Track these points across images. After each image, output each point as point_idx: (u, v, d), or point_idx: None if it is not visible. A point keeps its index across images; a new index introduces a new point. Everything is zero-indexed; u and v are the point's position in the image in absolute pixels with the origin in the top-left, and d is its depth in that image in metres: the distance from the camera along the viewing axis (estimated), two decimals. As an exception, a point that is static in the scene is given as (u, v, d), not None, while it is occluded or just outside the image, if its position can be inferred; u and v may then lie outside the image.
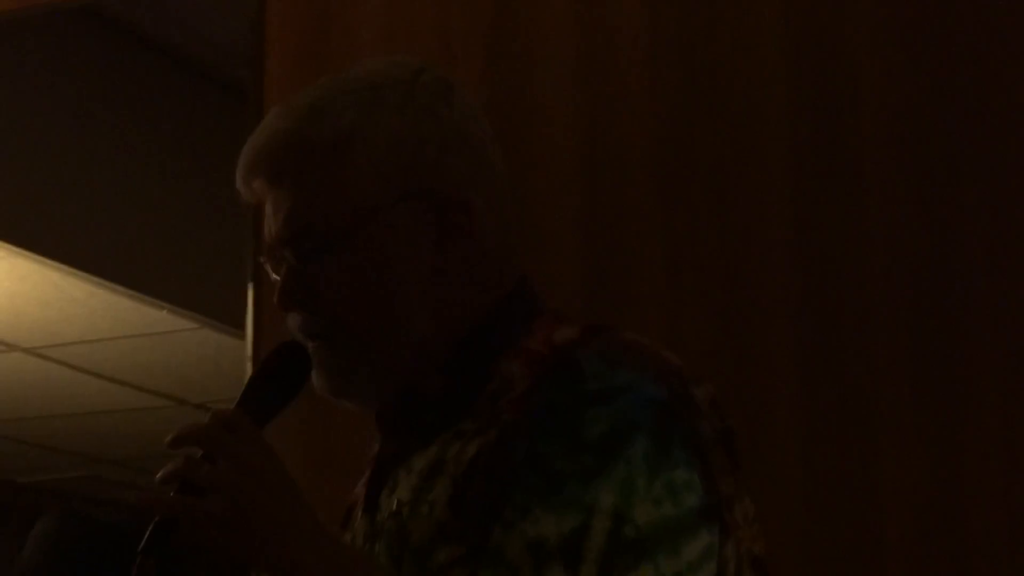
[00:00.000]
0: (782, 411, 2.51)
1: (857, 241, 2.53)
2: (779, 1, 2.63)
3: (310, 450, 2.75)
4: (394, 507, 1.60)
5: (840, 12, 2.60)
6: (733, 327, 2.56)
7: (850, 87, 2.57)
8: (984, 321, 2.47)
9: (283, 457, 1.48)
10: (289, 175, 1.61)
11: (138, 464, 8.45)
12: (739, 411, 2.49)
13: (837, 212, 2.55)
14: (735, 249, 2.59)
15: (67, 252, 5.33)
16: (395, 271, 1.60)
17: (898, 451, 2.46)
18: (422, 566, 1.53)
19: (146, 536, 1.46)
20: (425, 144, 1.61)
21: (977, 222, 2.49)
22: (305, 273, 1.61)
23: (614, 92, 2.71)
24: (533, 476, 1.49)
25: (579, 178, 2.70)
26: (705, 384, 1.59)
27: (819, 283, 2.53)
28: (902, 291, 2.50)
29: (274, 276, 1.65)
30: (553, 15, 2.77)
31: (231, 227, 3.72)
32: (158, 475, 1.45)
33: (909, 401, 2.47)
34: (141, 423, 7.58)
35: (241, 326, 2.92)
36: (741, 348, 2.55)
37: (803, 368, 2.52)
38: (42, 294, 5.68)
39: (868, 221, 2.53)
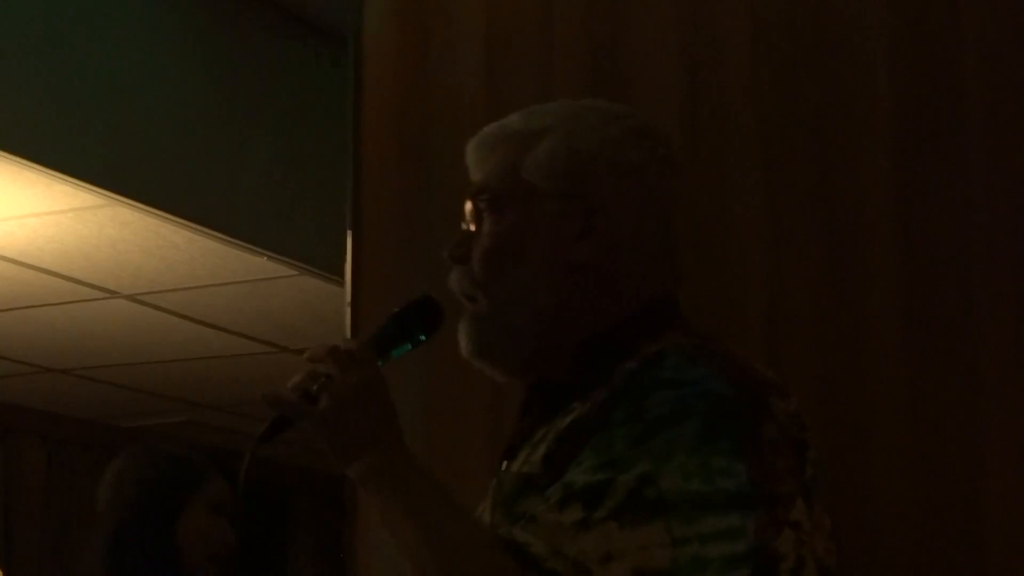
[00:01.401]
0: (885, 365, 2.48)
1: (961, 197, 2.49)
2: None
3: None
4: (504, 468, 1.86)
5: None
6: (836, 286, 2.54)
7: (954, 37, 2.54)
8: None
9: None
10: (494, 151, 1.91)
11: (237, 410, 8.53)
12: (842, 372, 2.49)
13: (939, 168, 2.51)
14: (837, 207, 2.55)
15: (168, 200, 5.38)
16: (531, 251, 1.84)
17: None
18: (509, 511, 1.76)
19: (266, 427, 1.77)
20: (598, 161, 1.86)
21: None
22: (472, 234, 1.88)
23: (715, 66, 2.68)
24: (597, 439, 1.70)
25: (679, 141, 2.68)
26: (791, 398, 1.76)
27: (922, 237, 2.50)
28: (1010, 247, 2.46)
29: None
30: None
31: (331, 175, 3.74)
32: (288, 383, 1.75)
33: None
34: (240, 369, 7.65)
35: (340, 273, 2.95)
36: (844, 306, 2.53)
37: (906, 322, 2.49)
38: (143, 241, 5.73)
39: (971, 176, 2.49)
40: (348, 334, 2.83)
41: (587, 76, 2.76)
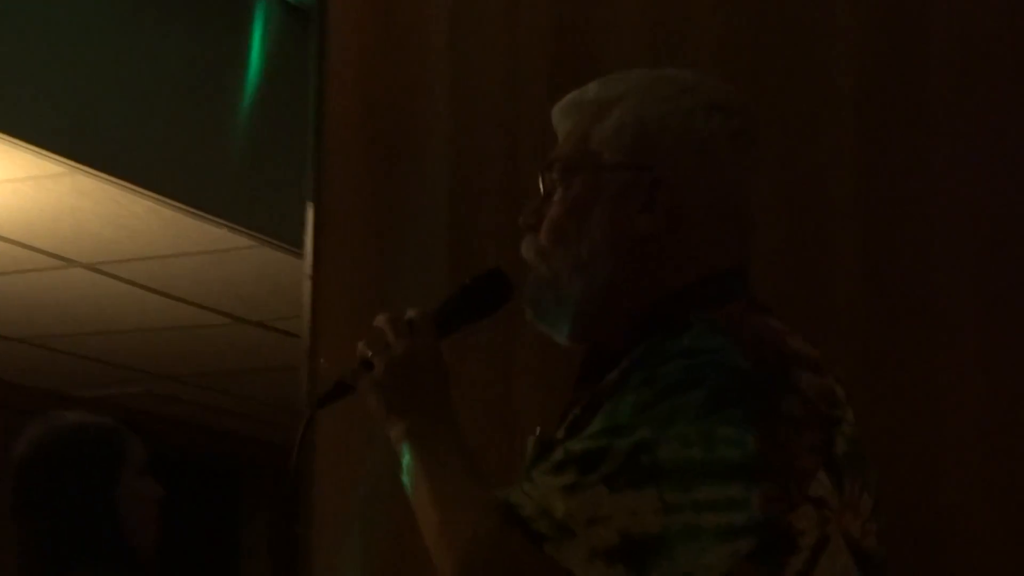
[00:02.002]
0: (846, 342, 2.48)
1: (922, 177, 2.50)
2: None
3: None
4: (537, 434, 1.88)
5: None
6: (798, 266, 2.54)
7: (920, 15, 2.54)
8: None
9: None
10: (570, 119, 1.93)
11: (194, 381, 8.51)
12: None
13: (901, 148, 2.52)
14: (799, 185, 2.55)
15: (129, 169, 5.36)
16: (595, 222, 1.85)
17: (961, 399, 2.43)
18: (528, 475, 1.75)
19: (326, 391, 1.91)
20: (667, 133, 1.86)
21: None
22: (544, 201, 1.90)
23: (681, 45, 2.67)
24: (608, 405, 1.72)
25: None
26: (826, 374, 1.75)
27: (883, 217, 2.50)
28: (970, 231, 2.46)
29: None
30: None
31: (292, 147, 3.73)
32: (358, 347, 1.88)
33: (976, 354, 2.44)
34: (198, 340, 7.64)
35: (300, 245, 2.95)
36: (805, 286, 2.53)
37: (867, 299, 2.50)
38: (103, 210, 5.71)
39: (933, 155, 2.50)
40: (308, 306, 2.83)
41: (552, 52, 2.76)
